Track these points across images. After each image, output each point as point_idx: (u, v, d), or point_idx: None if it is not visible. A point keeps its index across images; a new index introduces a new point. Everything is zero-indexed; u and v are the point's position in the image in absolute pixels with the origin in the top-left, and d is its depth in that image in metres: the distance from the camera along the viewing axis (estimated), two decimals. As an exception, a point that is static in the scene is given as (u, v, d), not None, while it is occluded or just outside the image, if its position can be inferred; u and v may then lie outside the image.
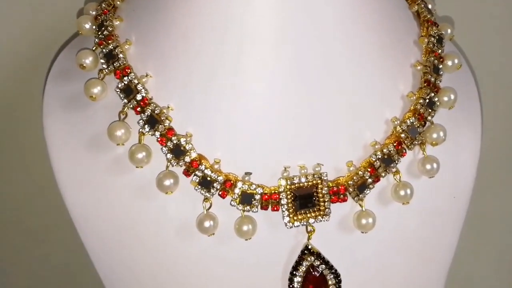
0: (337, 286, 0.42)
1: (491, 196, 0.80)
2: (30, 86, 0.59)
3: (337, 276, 0.42)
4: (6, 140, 0.65)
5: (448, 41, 0.48)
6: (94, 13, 0.46)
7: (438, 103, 0.43)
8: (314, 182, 0.40)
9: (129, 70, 0.41)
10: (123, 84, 0.41)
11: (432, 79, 0.43)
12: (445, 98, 0.44)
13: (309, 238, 0.41)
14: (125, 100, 0.41)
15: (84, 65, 0.43)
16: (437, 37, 0.44)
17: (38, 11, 0.57)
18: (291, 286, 0.42)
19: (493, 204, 0.81)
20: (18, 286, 0.74)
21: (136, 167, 0.40)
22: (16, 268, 0.72)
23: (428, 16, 0.45)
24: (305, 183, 0.40)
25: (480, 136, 0.47)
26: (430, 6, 0.47)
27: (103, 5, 0.44)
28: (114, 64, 0.42)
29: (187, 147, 0.39)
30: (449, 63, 0.45)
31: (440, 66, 0.44)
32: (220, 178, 0.39)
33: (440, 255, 0.46)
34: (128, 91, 0.41)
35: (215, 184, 0.39)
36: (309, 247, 0.41)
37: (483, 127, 0.48)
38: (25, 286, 0.74)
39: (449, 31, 0.47)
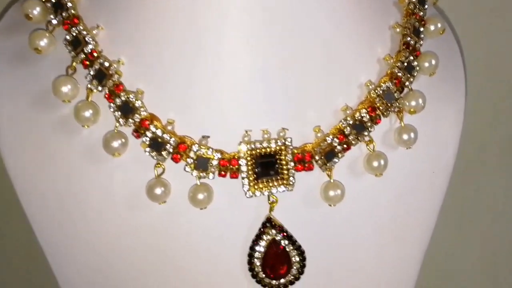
0: (301, 263, 0.38)
1: (473, 185, 0.78)
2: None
3: (301, 252, 0.38)
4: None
5: (432, 6, 0.44)
6: None
7: (417, 68, 0.39)
8: (278, 148, 0.36)
9: (78, 21, 0.37)
10: (71, 35, 0.37)
11: (412, 42, 0.39)
12: (426, 64, 0.40)
13: (271, 210, 0.37)
14: (73, 53, 0.37)
15: (31, 15, 0.39)
16: (414, 27, 0.41)
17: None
18: (250, 262, 0.38)
19: (473, 194, 0.80)
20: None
21: (82, 126, 0.36)
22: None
23: (411, 7, 0.41)
24: (268, 149, 0.36)
25: (463, 109, 0.44)
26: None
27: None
28: (63, 15, 0.38)
29: (136, 105, 0.35)
30: (432, 27, 0.42)
31: (421, 29, 0.40)
32: (173, 140, 0.35)
33: (416, 234, 0.42)
34: (77, 44, 0.37)
35: (167, 147, 0.35)
36: (271, 219, 0.37)
37: (467, 100, 0.45)
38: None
39: (438, 26, 0.43)
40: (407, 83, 0.39)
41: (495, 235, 0.83)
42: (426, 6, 0.41)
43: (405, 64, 0.39)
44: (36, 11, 0.40)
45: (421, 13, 0.41)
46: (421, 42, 0.40)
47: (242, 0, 0.36)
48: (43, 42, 0.38)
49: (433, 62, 0.40)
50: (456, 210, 0.80)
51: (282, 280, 0.38)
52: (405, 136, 0.39)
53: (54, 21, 0.38)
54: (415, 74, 0.39)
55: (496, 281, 0.85)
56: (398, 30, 0.40)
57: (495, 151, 0.77)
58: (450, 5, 0.56)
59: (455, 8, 0.59)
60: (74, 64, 0.37)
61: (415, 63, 0.39)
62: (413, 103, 0.39)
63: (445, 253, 0.82)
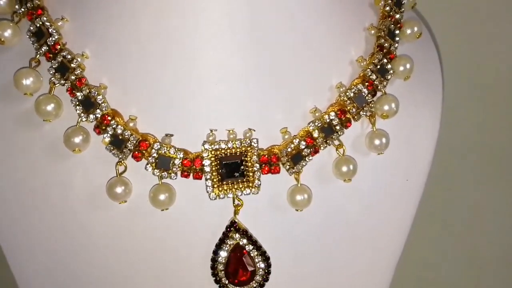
0: (266, 270, 0.37)
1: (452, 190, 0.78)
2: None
3: (266, 259, 0.37)
4: None
5: (410, 10, 0.43)
6: None
7: (391, 71, 0.38)
8: (243, 148, 0.35)
9: (42, 12, 0.36)
10: (35, 26, 0.36)
11: (386, 45, 0.38)
12: (401, 68, 0.39)
13: (235, 213, 0.36)
14: (36, 44, 0.36)
15: (-6, 3, 0.38)
16: (395, 0, 0.40)
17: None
18: (213, 266, 0.37)
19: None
20: None
21: (44, 120, 0.35)
22: None
23: (387, 10, 0.41)
24: (233, 149, 0.35)
25: (440, 115, 0.43)
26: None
27: None
28: (27, 5, 0.37)
29: (98, 99, 0.34)
30: (408, 30, 0.41)
31: (397, 32, 0.39)
32: (134, 137, 0.34)
33: (388, 242, 0.41)
34: (40, 35, 0.36)
35: (128, 144, 0.34)
36: (235, 223, 0.36)
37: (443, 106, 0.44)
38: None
39: (415, 29, 0.42)
40: (380, 87, 0.38)
41: (472, 242, 0.83)
42: (402, 9, 0.40)
43: (378, 66, 0.38)
44: (3, 1, 0.39)
45: (397, 15, 0.40)
46: (396, 45, 0.39)
47: (211, 1, 0.35)
48: (7, 33, 0.37)
49: (408, 66, 0.39)
50: (432, 217, 0.79)
51: (246, 287, 0.37)
52: (376, 141, 0.38)
53: (20, 11, 0.37)
54: (388, 78, 0.38)
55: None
56: (372, 32, 0.39)
57: (473, 158, 0.77)
58: (431, 10, 0.56)
59: (435, 13, 0.58)
60: (37, 56, 0.36)
61: (389, 66, 0.38)
62: (385, 107, 0.38)
63: (421, 261, 0.82)
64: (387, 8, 0.40)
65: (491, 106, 0.75)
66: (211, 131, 0.35)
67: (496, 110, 0.75)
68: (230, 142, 0.35)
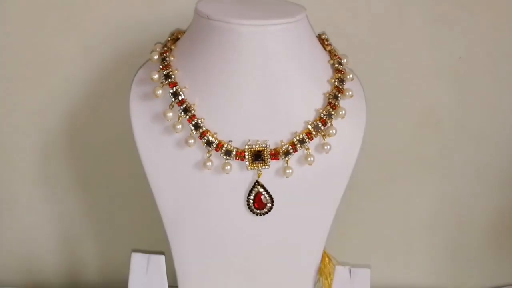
0: (271, 205, 0.81)
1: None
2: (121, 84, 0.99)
3: (272, 199, 0.81)
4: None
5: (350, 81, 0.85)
6: (159, 50, 0.85)
7: (334, 115, 0.81)
8: (262, 148, 0.79)
9: (176, 84, 0.81)
10: (173, 90, 0.80)
11: (333, 102, 0.81)
12: (340, 112, 0.82)
13: (258, 177, 0.80)
14: (173, 99, 0.80)
15: (153, 78, 0.83)
16: (340, 79, 0.82)
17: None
18: (248, 202, 0.81)
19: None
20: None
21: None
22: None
23: (338, 67, 0.83)
24: (257, 148, 0.79)
25: (362, 136, 0.84)
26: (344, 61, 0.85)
27: (165, 48, 0.83)
28: (169, 80, 0.81)
29: (201, 124, 0.79)
30: (347, 93, 0.83)
31: (339, 95, 0.82)
32: (215, 142, 0.79)
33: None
34: (175, 95, 0.80)
35: (213, 145, 0.79)
36: (258, 181, 0.80)
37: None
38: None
39: (350, 76, 0.84)
40: (328, 122, 0.80)
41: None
42: (344, 83, 0.82)
43: (327, 113, 0.80)
44: (155, 76, 0.83)
45: (341, 86, 0.82)
46: (339, 102, 0.81)
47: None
48: (158, 92, 0.82)
49: (342, 112, 0.81)
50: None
51: (263, 211, 0.81)
52: (326, 147, 0.81)
53: (165, 82, 0.82)
54: (332, 119, 0.80)
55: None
56: (327, 95, 0.82)
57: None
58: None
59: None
60: (173, 103, 0.81)
61: (333, 112, 0.80)
62: (331, 131, 0.81)
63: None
64: (336, 83, 0.82)
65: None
66: (249, 140, 0.79)
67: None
68: (256, 145, 0.79)
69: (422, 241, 1.08)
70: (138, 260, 0.81)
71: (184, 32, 0.85)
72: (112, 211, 1.08)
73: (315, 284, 0.82)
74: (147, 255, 0.83)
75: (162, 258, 0.84)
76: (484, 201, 1.04)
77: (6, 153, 1.02)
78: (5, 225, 1.07)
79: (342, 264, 0.82)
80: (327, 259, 0.83)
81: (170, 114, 0.79)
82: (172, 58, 0.79)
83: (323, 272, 0.83)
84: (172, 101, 0.79)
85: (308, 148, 0.80)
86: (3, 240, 1.07)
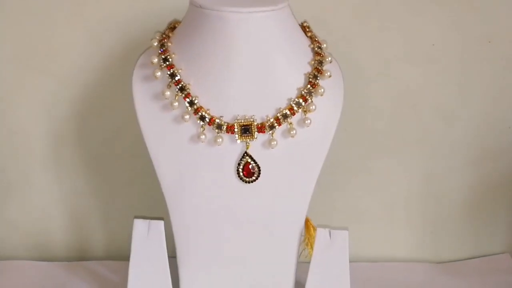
0: (258, 173, 0.90)
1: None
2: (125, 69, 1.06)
3: (259, 169, 0.90)
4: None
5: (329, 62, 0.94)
6: (158, 37, 0.95)
7: (314, 92, 0.90)
8: (250, 122, 0.88)
9: (173, 66, 0.90)
10: (170, 72, 0.90)
11: (313, 81, 0.91)
12: (320, 91, 0.91)
13: (247, 148, 0.90)
14: (170, 79, 0.90)
15: (153, 61, 0.93)
16: (319, 61, 0.92)
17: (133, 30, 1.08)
18: (237, 171, 0.90)
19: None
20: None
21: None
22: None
23: (318, 51, 0.93)
24: (246, 122, 0.88)
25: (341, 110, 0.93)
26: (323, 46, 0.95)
27: (163, 35, 0.93)
28: (167, 63, 0.91)
29: (195, 102, 0.88)
30: (325, 74, 0.92)
31: (319, 75, 0.91)
32: (208, 117, 0.88)
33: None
34: (172, 76, 0.90)
35: (206, 120, 0.88)
36: (247, 152, 0.90)
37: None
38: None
39: (329, 59, 0.94)
40: (308, 99, 0.90)
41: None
42: (323, 65, 0.92)
43: (308, 91, 0.90)
44: (155, 60, 0.93)
45: (320, 67, 0.92)
46: (318, 81, 0.91)
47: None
48: (158, 74, 0.92)
49: (321, 90, 0.90)
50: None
51: (251, 179, 0.90)
52: (307, 121, 0.90)
53: (164, 65, 0.91)
54: (313, 96, 0.90)
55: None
56: (308, 75, 0.91)
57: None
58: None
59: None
60: (171, 83, 0.90)
61: (313, 91, 0.90)
62: (311, 107, 0.90)
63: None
64: (316, 65, 0.91)
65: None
66: (238, 115, 0.88)
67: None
68: (244, 119, 0.88)
69: (401, 216, 1.16)
70: (139, 225, 0.90)
71: (180, 22, 0.95)
72: (116, 190, 1.17)
73: (300, 251, 0.90)
74: (147, 221, 0.93)
75: (161, 223, 0.93)
76: (459, 176, 1.13)
77: (19, 137, 1.09)
78: (18, 204, 1.15)
79: (323, 226, 0.91)
80: (312, 229, 0.92)
81: (168, 93, 0.89)
82: (170, 44, 0.88)
83: (309, 242, 0.91)
84: (170, 82, 0.89)
85: (291, 123, 0.90)
86: (16, 218, 1.16)
